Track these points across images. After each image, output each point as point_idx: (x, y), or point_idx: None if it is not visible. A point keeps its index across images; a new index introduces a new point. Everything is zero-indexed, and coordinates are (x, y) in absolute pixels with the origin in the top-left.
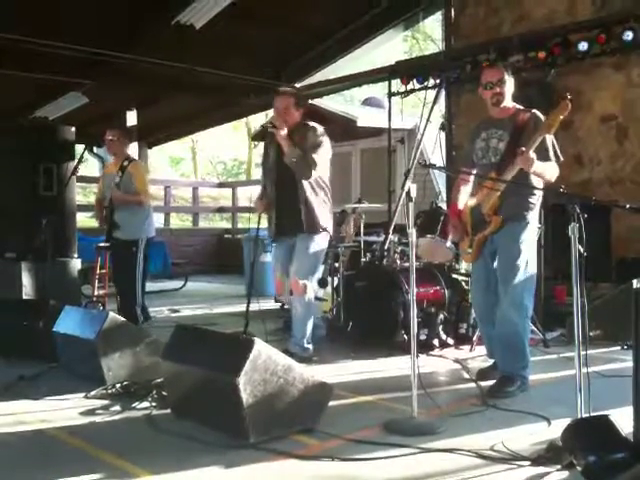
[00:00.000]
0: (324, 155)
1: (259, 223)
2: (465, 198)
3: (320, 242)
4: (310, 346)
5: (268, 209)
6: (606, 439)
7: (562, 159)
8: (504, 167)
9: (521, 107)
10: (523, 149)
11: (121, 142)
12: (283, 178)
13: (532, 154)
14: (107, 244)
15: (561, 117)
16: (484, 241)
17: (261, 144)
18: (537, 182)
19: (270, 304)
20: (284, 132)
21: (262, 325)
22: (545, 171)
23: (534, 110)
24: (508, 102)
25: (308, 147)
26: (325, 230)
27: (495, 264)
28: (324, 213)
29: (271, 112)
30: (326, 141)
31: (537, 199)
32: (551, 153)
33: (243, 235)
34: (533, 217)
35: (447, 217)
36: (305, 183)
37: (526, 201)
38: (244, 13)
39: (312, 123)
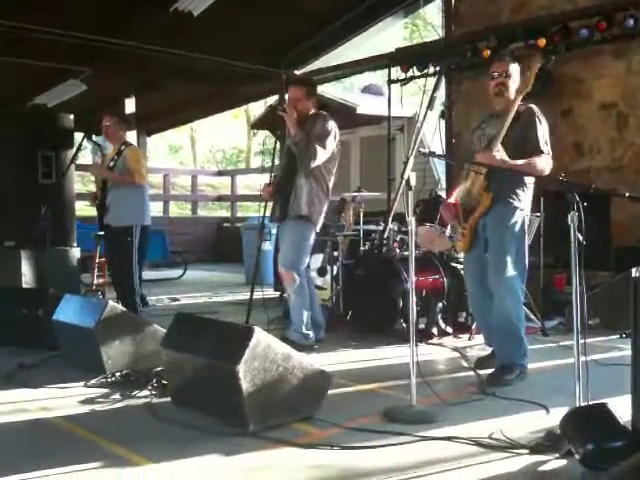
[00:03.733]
0: (328, 146)
1: (265, 211)
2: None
3: (302, 231)
4: (310, 332)
5: (274, 196)
6: (604, 427)
7: (550, 153)
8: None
9: (521, 103)
10: (486, 151)
11: (116, 127)
12: (287, 164)
13: (498, 154)
14: (101, 232)
15: (536, 69)
16: (476, 225)
17: (260, 132)
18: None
19: (270, 292)
20: (292, 115)
21: (263, 314)
22: (521, 169)
23: (531, 105)
24: (511, 94)
25: (313, 136)
26: (309, 220)
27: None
28: (315, 204)
29: (270, 100)
30: (332, 131)
31: (527, 185)
32: (542, 144)
33: (242, 224)
34: (523, 203)
35: (444, 204)
36: (303, 170)
37: (516, 186)
38: (243, 0)
39: (324, 113)
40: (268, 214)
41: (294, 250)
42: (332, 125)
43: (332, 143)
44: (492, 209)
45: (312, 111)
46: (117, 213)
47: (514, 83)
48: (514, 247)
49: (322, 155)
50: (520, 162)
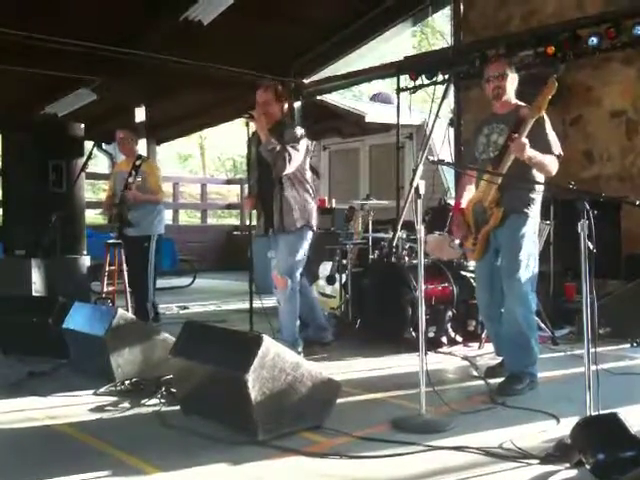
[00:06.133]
0: (301, 150)
1: (250, 220)
2: (468, 196)
3: (300, 240)
4: (298, 340)
5: (256, 206)
6: (615, 437)
7: (562, 154)
8: (501, 159)
9: (523, 104)
10: (515, 135)
11: (131, 141)
12: (264, 175)
13: (525, 140)
14: (118, 241)
15: (549, 97)
16: (487, 237)
17: None
18: (539, 176)
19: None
20: (261, 122)
21: (268, 322)
22: (541, 160)
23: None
24: (510, 97)
25: (285, 141)
26: (302, 228)
27: (498, 261)
28: (304, 209)
29: None
30: (304, 139)
31: (538, 193)
32: (552, 145)
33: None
34: (534, 211)
35: (453, 214)
36: (284, 179)
37: (526, 195)
38: (252, 9)
39: (291, 121)
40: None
41: (291, 257)
42: (302, 132)
43: (303, 150)
44: (505, 219)
45: (279, 117)
46: (139, 225)
47: (512, 85)
48: (525, 254)
49: (296, 159)
50: (541, 155)
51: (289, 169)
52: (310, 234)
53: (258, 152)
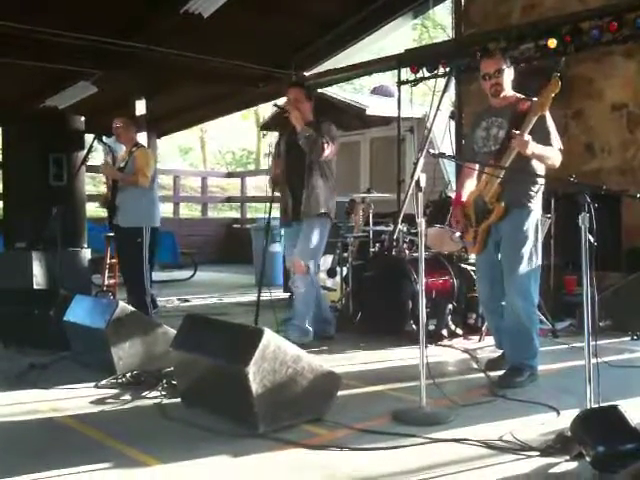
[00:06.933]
0: (335, 143)
1: (270, 212)
2: (469, 190)
3: (322, 227)
4: (310, 328)
5: (281, 195)
6: (615, 430)
7: (562, 147)
8: (502, 153)
9: (522, 96)
10: (517, 132)
11: (127, 129)
12: (293, 165)
13: (527, 136)
14: (112, 233)
15: (552, 95)
16: (488, 231)
17: (270, 134)
18: (540, 169)
19: (279, 294)
20: (295, 113)
21: (272, 315)
22: (545, 154)
23: (535, 98)
24: (508, 91)
25: (322, 133)
26: (327, 215)
27: (500, 255)
28: (330, 199)
29: (279, 101)
30: (337, 134)
31: (540, 186)
32: (552, 138)
33: (252, 225)
34: (536, 205)
35: (454, 208)
36: (315, 167)
37: (528, 188)
38: (252, 1)
39: (328, 119)
40: (274, 215)
41: (313, 244)
42: (335, 129)
43: (336, 144)
44: (506, 213)
45: (311, 117)
46: (126, 214)
47: (509, 78)
48: (527, 248)
49: (331, 149)
50: (544, 149)
51: (324, 156)
52: (330, 224)
53: (287, 143)
